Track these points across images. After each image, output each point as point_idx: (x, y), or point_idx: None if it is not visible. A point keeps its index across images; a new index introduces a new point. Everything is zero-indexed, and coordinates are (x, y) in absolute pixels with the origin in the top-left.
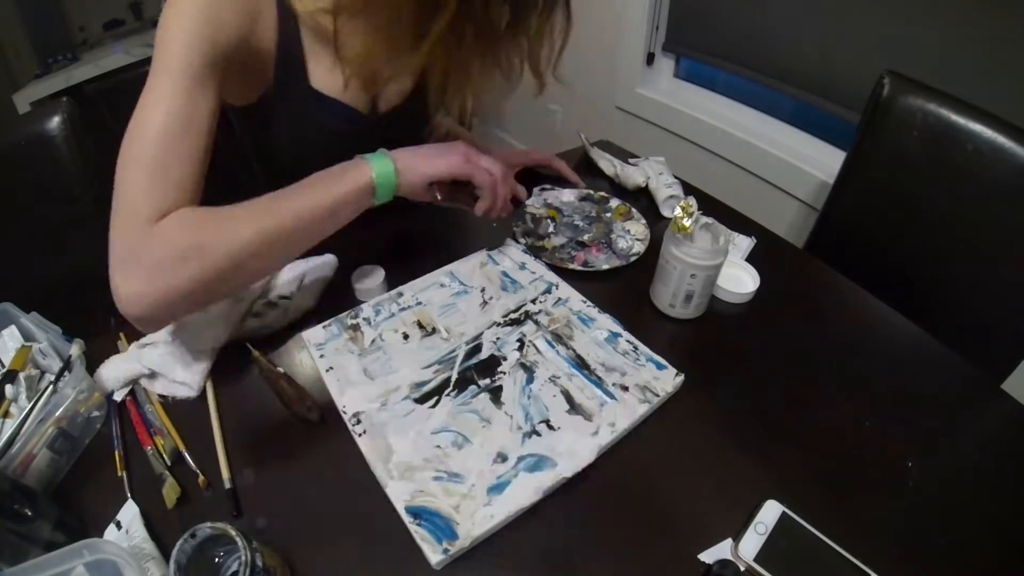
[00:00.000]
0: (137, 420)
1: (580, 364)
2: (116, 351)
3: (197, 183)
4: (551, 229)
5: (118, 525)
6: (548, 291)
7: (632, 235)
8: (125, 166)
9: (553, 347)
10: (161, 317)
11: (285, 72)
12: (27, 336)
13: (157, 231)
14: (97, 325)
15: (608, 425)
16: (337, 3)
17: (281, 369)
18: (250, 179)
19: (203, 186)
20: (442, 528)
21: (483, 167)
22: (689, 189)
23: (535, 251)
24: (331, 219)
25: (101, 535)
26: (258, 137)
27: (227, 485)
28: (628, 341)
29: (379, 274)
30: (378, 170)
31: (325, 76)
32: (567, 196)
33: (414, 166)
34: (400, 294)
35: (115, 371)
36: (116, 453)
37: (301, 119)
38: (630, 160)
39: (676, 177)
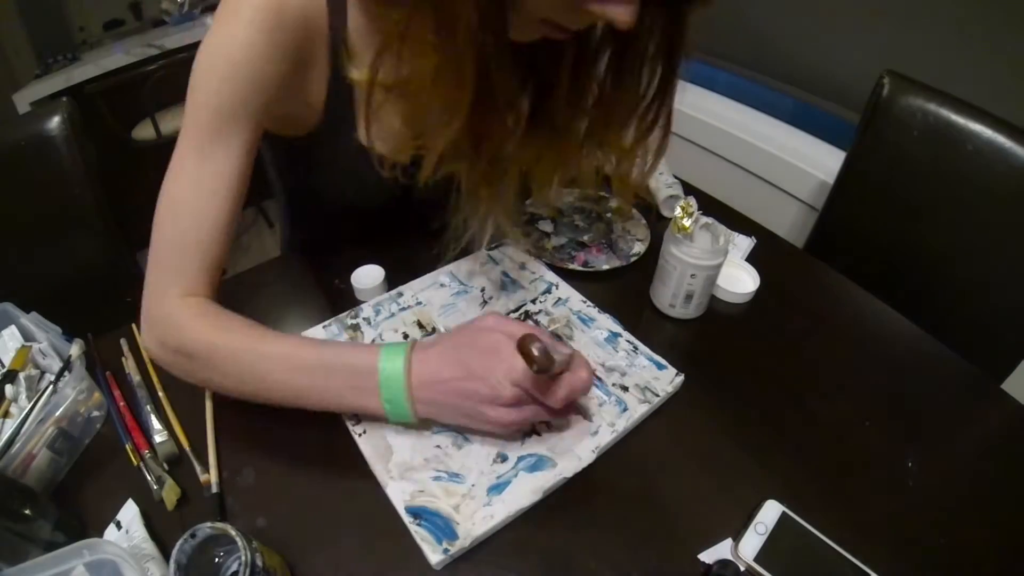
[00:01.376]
0: (133, 425)
1: None
2: (117, 351)
3: (225, 251)
4: (551, 229)
5: (118, 525)
6: (548, 291)
7: (632, 235)
8: (161, 234)
9: None
10: (170, 372)
11: (332, 122)
12: (27, 336)
13: (180, 318)
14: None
15: (608, 425)
16: (396, 83)
17: None
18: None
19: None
20: (442, 528)
21: (516, 418)
22: (689, 189)
23: (535, 251)
24: (327, 408)
25: (101, 535)
26: (290, 166)
27: (214, 489)
28: (628, 341)
29: (379, 274)
30: (389, 408)
31: (372, 130)
32: (567, 196)
33: (431, 404)
34: (400, 294)
35: None
36: (127, 447)
37: (340, 166)
38: None
39: (676, 177)
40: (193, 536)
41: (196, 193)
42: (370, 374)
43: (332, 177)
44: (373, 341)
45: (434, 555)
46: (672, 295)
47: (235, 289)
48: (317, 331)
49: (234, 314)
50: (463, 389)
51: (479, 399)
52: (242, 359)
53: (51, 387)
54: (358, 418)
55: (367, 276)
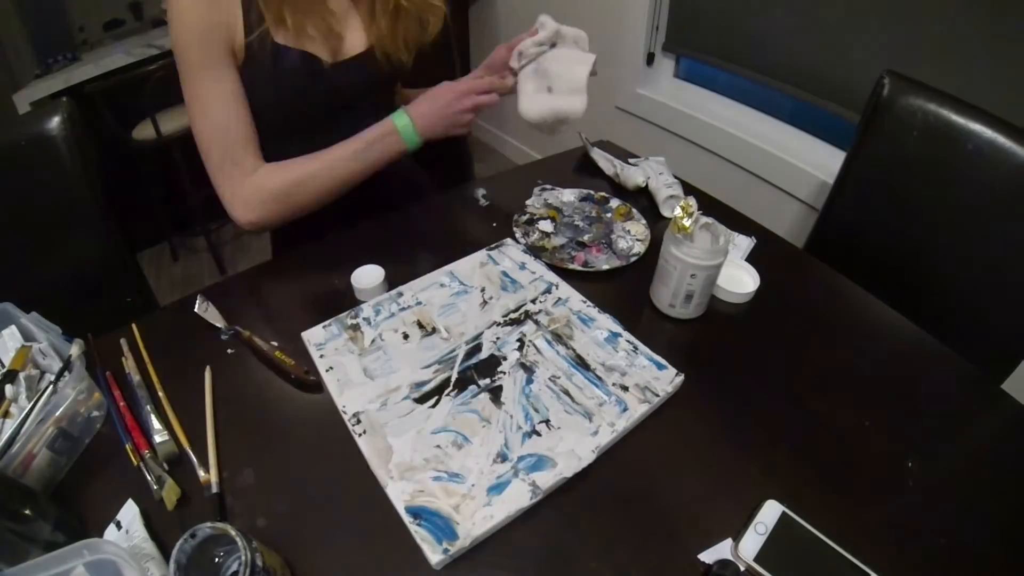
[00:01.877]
0: (133, 424)
1: (580, 364)
2: (118, 351)
3: (256, 135)
4: (551, 229)
5: (118, 525)
6: (548, 291)
7: (632, 235)
8: (208, 150)
9: (553, 347)
10: (269, 227)
11: (253, 37)
12: (27, 336)
13: (254, 184)
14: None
15: (608, 425)
16: None
17: (275, 343)
18: None
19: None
20: (442, 528)
21: (464, 116)
22: (689, 189)
23: (535, 251)
24: (372, 164)
25: (101, 535)
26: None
27: (215, 490)
28: (628, 341)
29: (379, 274)
30: (399, 125)
31: (284, 32)
32: (567, 196)
33: (420, 121)
34: (400, 294)
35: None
36: (127, 447)
37: (272, 76)
38: (630, 160)
39: (676, 177)
40: (193, 536)
41: (217, 106)
42: (389, 124)
43: (270, 90)
44: (373, 341)
45: (434, 555)
46: (672, 295)
47: (235, 289)
48: (317, 331)
49: (286, 162)
50: (437, 98)
51: (449, 96)
52: (318, 174)
53: (51, 387)
54: (358, 418)
55: (367, 276)
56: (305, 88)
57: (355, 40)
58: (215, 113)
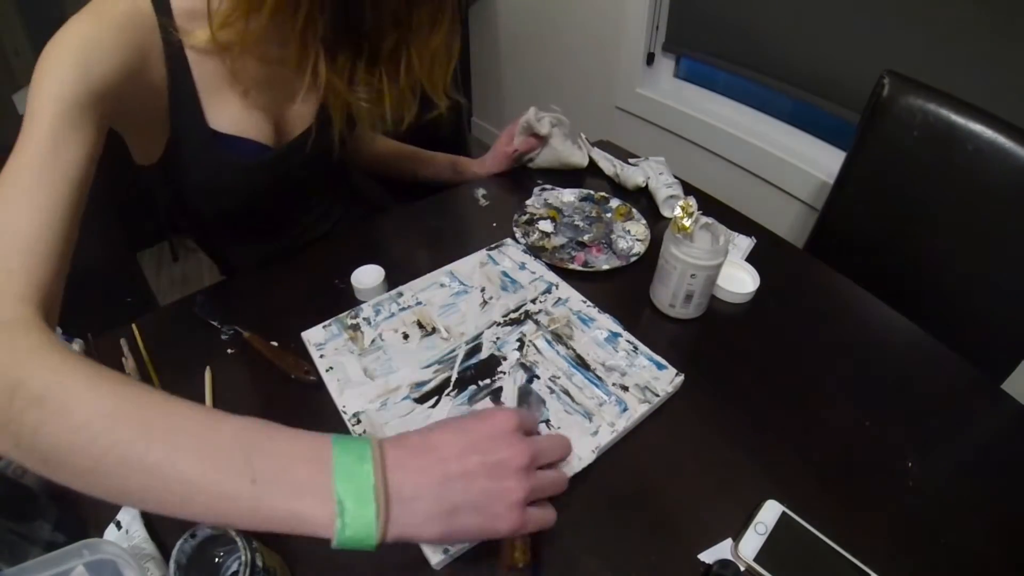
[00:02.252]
0: None
1: (580, 364)
2: (118, 351)
3: (62, 264)
4: (551, 229)
5: (118, 525)
6: (548, 291)
7: (632, 235)
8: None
9: (553, 347)
10: None
11: (181, 116)
12: None
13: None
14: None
15: (608, 425)
16: (225, 42)
17: (275, 343)
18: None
19: (73, 237)
20: None
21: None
22: (689, 189)
23: (535, 251)
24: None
25: (101, 535)
26: (171, 191)
27: None
28: (628, 341)
29: (379, 274)
30: (341, 487)
31: (222, 115)
32: (567, 196)
33: (410, 522)
34: (400, 294)
35: None
36: None
37: (206, 162)
38: (630, 160)
39: (676, 177)
40: (193, 536)
41: (29, 178)
42: (326, 474)
43: (203, 177)
44: (373, 341)
45: (434, 555)
46: (672, 295)
47: (235, 289)
48: (317, 331)
49: (83, 362)
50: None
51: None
52: (116, 448)
53: None
54: (358, 418)
55: (367, 276)
56: (252, 175)
57: (303, 113)
58: (20, 194)
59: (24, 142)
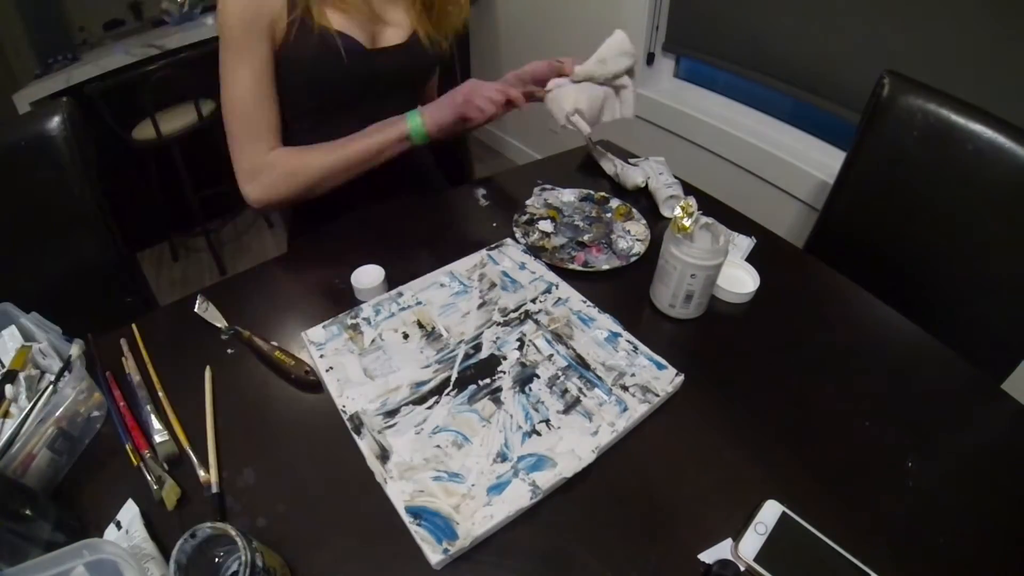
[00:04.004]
0: (133, 424)
1: (580, 364)
2: (118, 351)
3: (279, 118)
4: (551, 229)
5: (118, 525)
6: (548, 291)
7: (632, 235)
8: (231, 123)
9: (553, 346)
10: (276, 208)
11: (296, 17)
12: (27, 336)
13: (267, 162)
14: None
15: (608, 425)
16: None
17: (275, 343)
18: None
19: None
20: (442, 528)
21: (476, 105)
22: (689, 189)
23: (535, 251)
24: (378, 156)
25: (101, 535)
26: (284, 88)
27: (214, 490)
28: (628, 341)
29: (379, 274)
30: (410, 123)
31: (329, 15)
32: (567, 196)
33: (432, 114)
34: (400, 294)
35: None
36: (127, 447)
37: (313, 56)
38: (630, 160)
39: (676, 177)
40: (193, 536)
41: (246, 85)
42: (403, 127)
43: (311, 70)
44: (373, 341)
45: (434, 555)
46: (672, 295)
47: (236, 289)
48: (317, 331)
49: (301, 148)
50: (450, 94)
51: (455, 92)
52: (327, 164)
53: (51, 387)
54: (358, 418)
55: (367, 276)
56: (344, 71)
57: (397, 28)
58: (243, 91)
59: (232, 72)
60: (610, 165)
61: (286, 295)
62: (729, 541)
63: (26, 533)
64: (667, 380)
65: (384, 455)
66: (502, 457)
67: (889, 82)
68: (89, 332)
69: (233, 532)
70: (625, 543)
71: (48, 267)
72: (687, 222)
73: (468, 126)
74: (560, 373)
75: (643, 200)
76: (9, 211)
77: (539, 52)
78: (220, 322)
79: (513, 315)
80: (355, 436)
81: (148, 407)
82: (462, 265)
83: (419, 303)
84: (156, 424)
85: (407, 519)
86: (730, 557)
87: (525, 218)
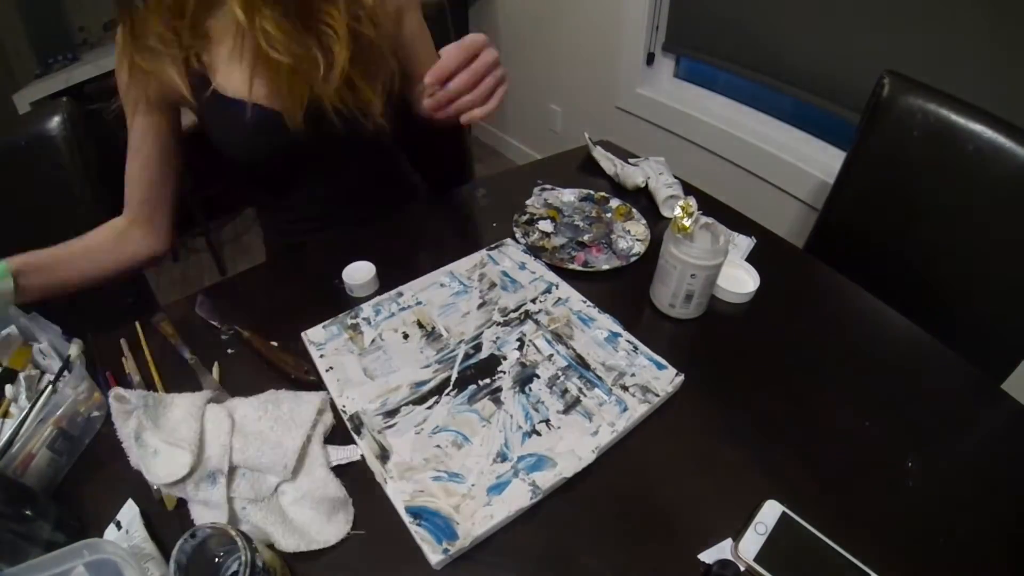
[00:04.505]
0: None
1: (580, 364)
2: (118, 351)
3: (143, 194)
4: (551, 229)
5: (118, 525)
6: (548, 291)
7: (632, 235)
8: None
9: (553, 346)
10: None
11: (197, 86)
12: (27, 336)
13: (110, 225)
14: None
15: (608, 425)
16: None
17: (275, 343)
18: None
19: (163, 187)
20: (442, 528)
21: None
22: (689, 189)
23: (535, 251)
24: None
25: (101, 535)
26: (212, 144)
27: None
28: (628, 341)
29: (369, 269)
30: None
31: (226, 81)
32: (567, 196)
33: None
34: (400, 294)
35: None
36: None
37: (220, 123)
38: (630, 160)
39: (676, 177)
40: (193, 536)
41: (132, 144)
42: None
43: (221, 136)
44: (372, 341)
45: (434, 555)
46: (672, 295)
47: (235, 289)
48: (317, 331)
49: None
50: None
51: None
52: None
53: (51, 387)
54: (358, 418)
55: (358, 272)
56: (259, 135)
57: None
58: (131, 149)
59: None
60: (610, 165)
61: (286, 295)
62: (729, 541)
63: (26, 533)
64: (667, 380)
65: (384, 455)
66: (502, 457)
67: (889, 82)
68: (89, 332)
69: (233, 532)
70: (625, 543)
71: None
72: (687, 222)
73: None
74: (560, 373)
75: (643, 200)
76: (9, 211)
77: (539, 52)
78: (220, 322)
79: (513, 315)
80: (355, 436)
81: None
82: (462, 265)
83: (419, 303)
84: None
85: (407, 519)
86: (730, 557)
87: (525, 218)
